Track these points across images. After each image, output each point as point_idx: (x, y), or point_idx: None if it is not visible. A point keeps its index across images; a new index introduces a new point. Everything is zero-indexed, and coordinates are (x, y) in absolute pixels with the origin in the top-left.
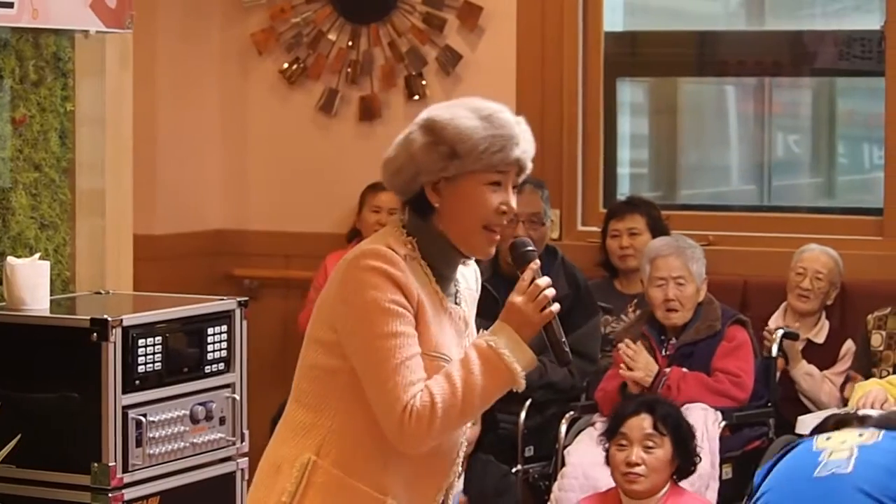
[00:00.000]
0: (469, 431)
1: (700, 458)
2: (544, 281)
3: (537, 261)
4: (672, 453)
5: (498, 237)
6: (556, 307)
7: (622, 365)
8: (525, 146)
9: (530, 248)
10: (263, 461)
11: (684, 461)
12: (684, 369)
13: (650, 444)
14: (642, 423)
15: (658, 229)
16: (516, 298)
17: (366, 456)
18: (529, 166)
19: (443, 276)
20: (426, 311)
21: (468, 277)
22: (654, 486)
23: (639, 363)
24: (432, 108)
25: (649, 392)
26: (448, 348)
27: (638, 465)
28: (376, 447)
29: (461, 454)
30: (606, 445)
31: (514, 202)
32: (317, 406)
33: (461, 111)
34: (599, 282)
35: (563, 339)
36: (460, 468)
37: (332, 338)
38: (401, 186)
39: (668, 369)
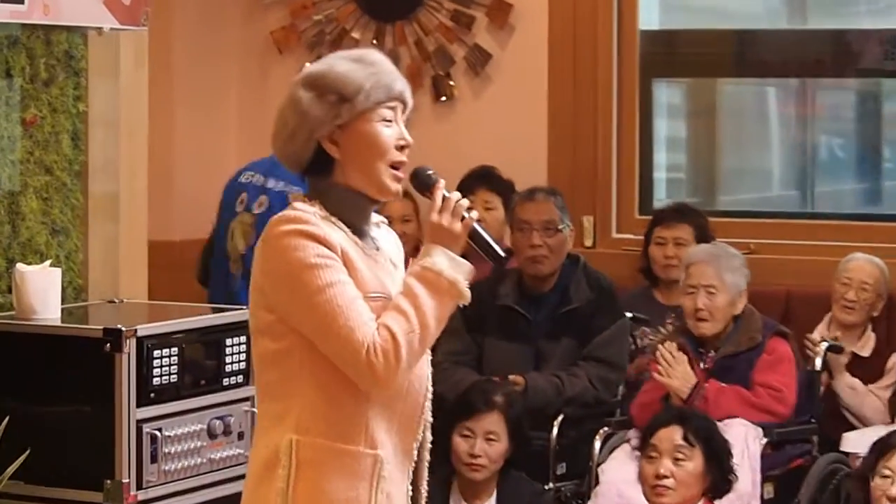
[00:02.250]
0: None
1: (736, 476)
2: (455, 195)
3: (441, 180)
4: (703, 467)
5: (402, 176)
6: (474, 214)
7: (659, 370)
8: (403, 80)
9: (430, 171)
10: (250, 468)
11: (718, 477)
12: (722, 384)
13: (680, 456)
14: (672, 434)
15: (704, 240)
16: (434, 217)
17: (346, 417)
18: (411, 101)
19: (357, 228)
20: (352, 257)
21: (388, 239)
22: (683, 500)
23: (676, 372)
24: (305, 69)
25: (686, 405)
26: (384, 287)
27: (666, 477)
28: (353, 405)
29: (429, 398)
30: (640, 458)
31: (408, 136)
32: (284, 392)
33: (333, 60)
34: (637, 291)
35: (491, 241)
36: (430, 417)
37: (271, 318)
38: (295, 153)
39: (705, 383)
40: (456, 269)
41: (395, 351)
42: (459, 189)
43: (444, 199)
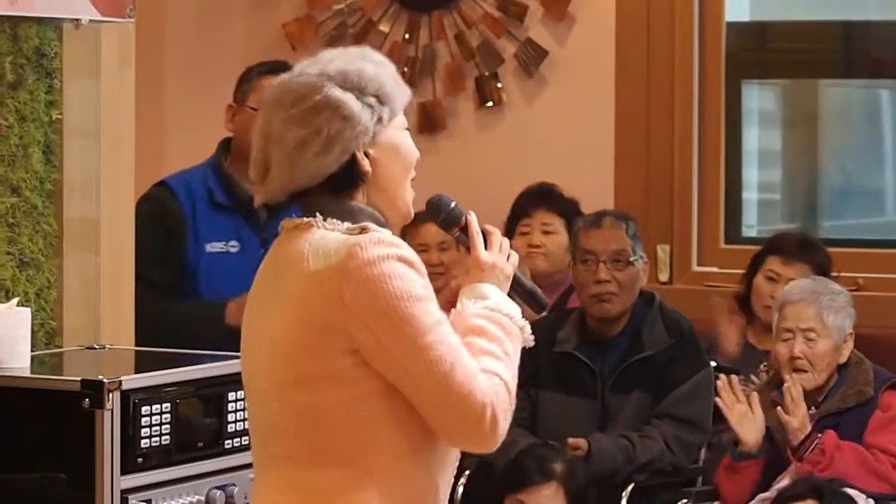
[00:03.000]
0: None
1: None
2: (493, 228)
3: (471, 212)
4: None
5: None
6: (515, 256)
7: (783, 405)
8: None
9: (453, 202)
10: None
11: None
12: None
13: None
14: None
15: None
16: (484, 255)
17: (426, 483)
18: None
19: None
20: None
21: None
22: None
23: (798, 412)
24: (307, 66)
25: (794, 457)
26: None
27: None
28: (424, 464)
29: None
30: None
31: None
32: (350, 454)
33: (348, 58)
34: None
35: (531, 284)
36: None
37: (347, 363)
38: (319, 167)
39: (820, 434)
40: (518, 313)
41: (510, 402)
42: (513, 213)
43: (488, 233)
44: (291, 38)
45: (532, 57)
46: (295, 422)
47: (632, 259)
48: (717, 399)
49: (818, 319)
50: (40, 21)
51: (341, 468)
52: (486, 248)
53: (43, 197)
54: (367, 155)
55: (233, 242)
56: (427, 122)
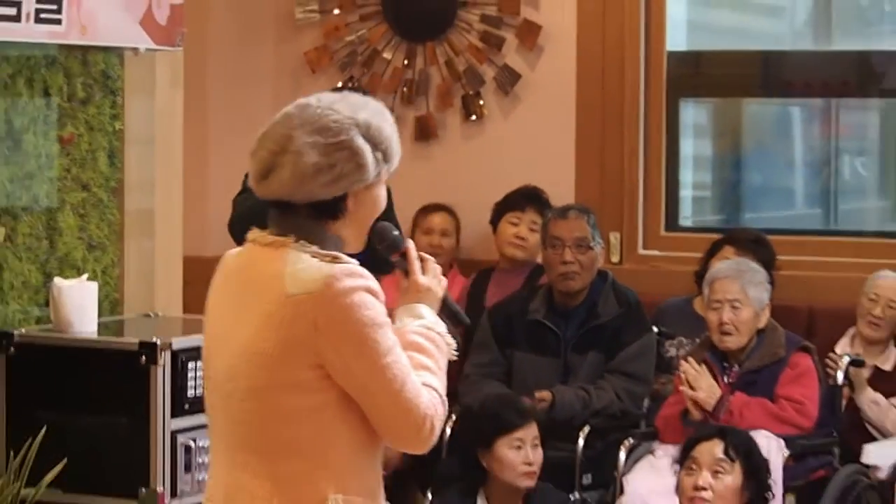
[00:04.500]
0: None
1: (773, 495)
2: (427, 255)
3: (409, 240)
4: (742, 482)
5: None
6: (444, 280)
7: (685, 383)
8: None
9: (395, 230)
10: None
11: (755, 493)
12: (747, 396)
13: (719, 469)
14: (713, 448)
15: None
16: (421, 279)
17: (373, 473)
18: None
19: None
20: None
21: None
22: None
23: (701, 384)
24: (336, 104)
25: (711, 417)
26: None
27: (705, 489)
28: (376, 460)
29: None
30: (678, 472)
31: None
32: (315, 448)
33: (373, 111)
34: (678, 301)
35: (456, 306)
36: None
37: (311, 375)
38: (316, 195)
39: (731, 395)
40: (445, 330)
41: (444, 414)
42: (506, 204)
43: (424, 260)
44: (311, 64)
45: (508, 79)
46: (265, 420)
47: (592, 245)
48: (682, 388)
49: (742, 292)
50: (106, 49)
51: (304, 460)
52: (422, 272)
53: (108, 192)
54: (355, 196)
55: None
56: (422, 132)
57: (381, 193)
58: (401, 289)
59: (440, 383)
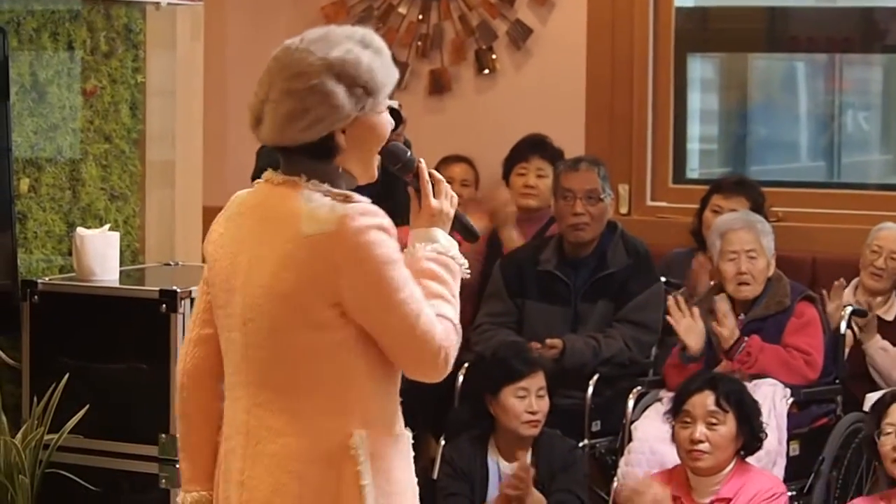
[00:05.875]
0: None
1: (766, 435)
2: (439, 176)
3: (421, 159)
4: (736, 430)
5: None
6: (455, 197)
7: (715, 322)
8: None
9: (408, 151)
10: (298, 464)
11: (749, 438)
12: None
13: (713, 420)
14: (705, 400)
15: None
16: (434, 203)
17: (394, 404)
18: None
19: None
20: None
21: None
22: (718, 462)
23: (727, 324)
24: (314, 43)
25: (726, 357)
26: None
27: (701, 441)
28: (395, 391)
29: None
30: (672, 423)
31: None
32: (339, 385)
33: (351, 45)
34: (680, 252)
35: (467, 219)
36: None
37: (331, 313)
38: (304, 138)
39: (747, 338)
40: (457, 250)
41: (457, 344)
42: (512, 157)
43: (436, 182)
44: (328, 19)
45: (520, 34)
46: (287, 358)
47: (602, 196)
48: (668, 316)
49: (757, 242)
50: (128, 3)
51: (326, 396)
52: (434, 195)
53: (130, 144)
54: (344, 131)
55: None
56: (436, 86)
57: (379, 121)
58: (412, 211)
59: (454, 310)
